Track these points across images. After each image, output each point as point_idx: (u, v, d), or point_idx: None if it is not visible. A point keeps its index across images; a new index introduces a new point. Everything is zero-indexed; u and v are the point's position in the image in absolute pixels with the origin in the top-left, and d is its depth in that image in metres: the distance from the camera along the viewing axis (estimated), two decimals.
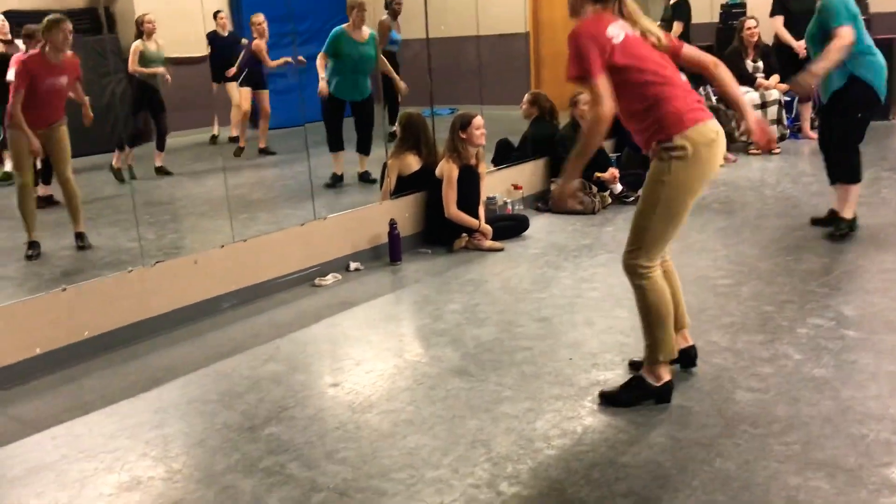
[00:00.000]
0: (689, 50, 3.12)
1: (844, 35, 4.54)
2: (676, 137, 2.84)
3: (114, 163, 7.04)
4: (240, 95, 8.40)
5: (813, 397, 2.98)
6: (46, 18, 4.97)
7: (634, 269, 2.96)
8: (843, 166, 4.94)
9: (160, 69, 7.35)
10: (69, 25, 4.98)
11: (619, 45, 2.84)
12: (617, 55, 2.83)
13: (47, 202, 6.18)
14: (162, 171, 7.48)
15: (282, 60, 8.16)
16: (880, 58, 4.78)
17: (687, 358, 3.25)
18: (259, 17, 8.23)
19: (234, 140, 8.54)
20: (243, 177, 7.72)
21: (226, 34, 8.60)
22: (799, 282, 4.25)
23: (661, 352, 3.00)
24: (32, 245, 5.15)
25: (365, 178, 7.01)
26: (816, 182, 6.32)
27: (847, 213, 4.94)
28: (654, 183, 2.93)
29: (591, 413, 2.98)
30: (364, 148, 7.03)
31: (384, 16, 8.51)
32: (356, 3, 6.73)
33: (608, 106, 2.81)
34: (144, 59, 7.37)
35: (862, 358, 3.29)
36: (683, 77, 3.04)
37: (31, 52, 5.21)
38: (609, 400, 3.05)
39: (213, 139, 8.97)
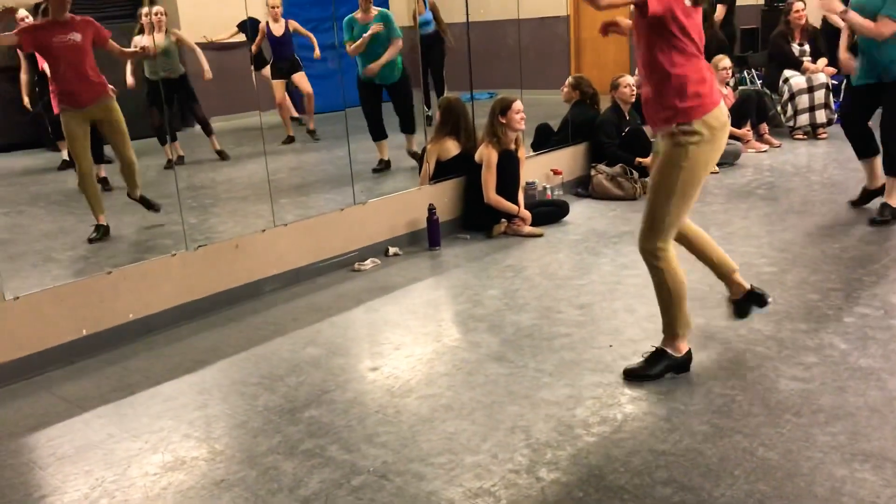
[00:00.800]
0: None
1: (888, 27, 4.54)
2: (696, 122, 2.88)
3: (167, 155, 7.16)
4: (274, 87, 8.41)
5: (859, 387, 2.93)
6: None
7: (652, 252, 3.03)
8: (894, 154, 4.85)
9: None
10: None
11: (686, 8, 2.84)
12: (681, 12, 2.82)
13: (102, 185, 6.23)
14: (222, 155, 7.50)
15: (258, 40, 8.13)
16: None
17: (756, 298, 3.28)
18: (274, 0, 8.19)
19: (288, 139, 8.56)
20: (284, 161, 7.77)
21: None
22: (845, 269, 4.16)
23: (679, 326, 3.11)
24: (98, 228, 5.18)
25: (416, 156, 6.90)
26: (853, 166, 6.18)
27: (894, 201, 4.88)
28: (670, 167, 2.95)
29: (631, 401, 2.96)
30: (407, 127, 7.05)
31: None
32: None
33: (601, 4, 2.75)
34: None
35: None
36: None
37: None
38: (635, 376, 3.12)
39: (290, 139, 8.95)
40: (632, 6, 2.83)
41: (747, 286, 3.29)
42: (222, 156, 7.54)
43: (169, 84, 7.11)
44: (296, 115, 8.94)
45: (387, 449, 2.74)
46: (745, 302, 3.30)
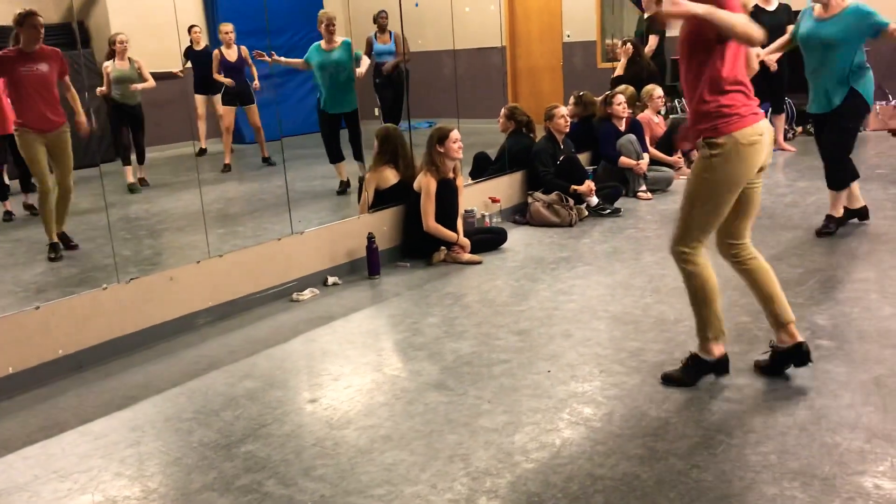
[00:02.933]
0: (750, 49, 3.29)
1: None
2: (722, 137, 2.99)
3: (128, 179, 7.48)
4: (224, 114, 8.38)
5: (788, 407, 3.01)
6: (17, 12, 5.08)
7: (678, 254, 3.18)
8: (837, 175, 5.18)
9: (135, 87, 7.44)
10: (39, 18, 5.10)
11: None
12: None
13: (32, 210, 6.26)
14: (142, 182, 7.70)
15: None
16: (871, 72, 5.05)
17: (798, 353, 3.20)
18: (226, 27, 8.25)
19: (226, 167, 8.51)
20: (221, 191, 7.69)
21: (201, 48, 8.59)
22: None
23: (709, 329, 3.20)
24: (55, 247, 5.37)
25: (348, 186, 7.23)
26: (791, 193, 6.40)
27: (839, 210, 5.23)
28: (696, 177, 3.11)
29: (569, 425, 2.99)
30: (361, 155, 7.26)
31: (373, 30, 8.61)
32: (321, 19, 7.10)
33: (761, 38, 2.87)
34: (112, 78, 7.45)
35: (835, 367, 3.33)
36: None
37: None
38: (672, 381, 3.24)
39: (202, 152, 8.93)
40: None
41: (799, 339, 3.22)
42: (142, 183, 7.73)
43: (126, 110, 7.50)
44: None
45: (325, 482, 2.70)
46: (788, 355, 3.23)
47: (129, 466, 2.90)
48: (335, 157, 7.29)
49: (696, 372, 3.25)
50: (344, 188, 7.23)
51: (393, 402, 3.28)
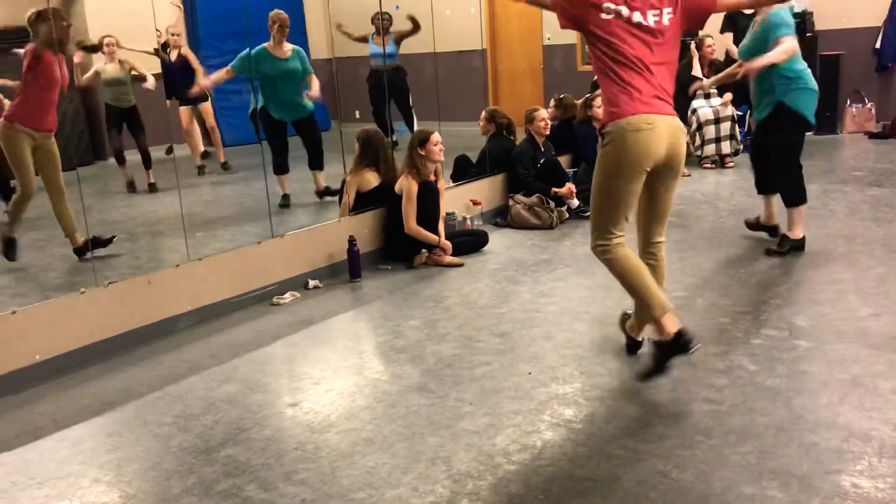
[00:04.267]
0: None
1: (789, 43, 4.58)
2: (609, 125, 3.11)
3: (124, 177, 7.50)
4: (181, 114, 8.31)
5: (767, 407, 3.03)
6: (37, 11, 4.89)
7: (595, 249, 3.26)
8: (788, 189, 4.93)
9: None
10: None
11: (606, 21, 3.06)
12: (596, 25, 3.08)
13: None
14: (153, 188, 7.54)
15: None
16: (811, 82, 4.76)
17: (637, 346, 3.53)
18: (174, 29, 8.10)
19: (199, 169, 8.46)
20: (200, 194, 7.64)
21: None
22: (752, 293, 4.33)
23: (652, 308, 3.16)
24: (11, 243, 5.23)
25: (327, 192, 6.91)
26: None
27: (797, 234, 4.95)
28: (594, 171, 3.22)
29: (550, 427, 2.99)
30: (317, 164, 6.95)
31: (371, 30, 8.57)
32: (276, 19, 6.59)
33: None
34: (107, 82, 7.43)
35: (813, 367, 3.36)
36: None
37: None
38: (651, 376, 3.22)
39: (170, 150, 8.86)
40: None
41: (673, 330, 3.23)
42: (152, 188, 7.57)
43: (121, 112, 7.46)
44: (202, 148, 8.80)
45: (306, 486, 2.69)
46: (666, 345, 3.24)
47: (107, 472, 2.87)
48: (280, 168, 6.81)
49: (663, 358, 3.14)
50: (287, 201, 6.77)
51: (374, 405, 3.27)
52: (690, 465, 2.66)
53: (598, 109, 6.84)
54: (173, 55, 8.14)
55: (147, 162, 7.59)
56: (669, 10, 3.10)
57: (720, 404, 3.08)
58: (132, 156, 7.68)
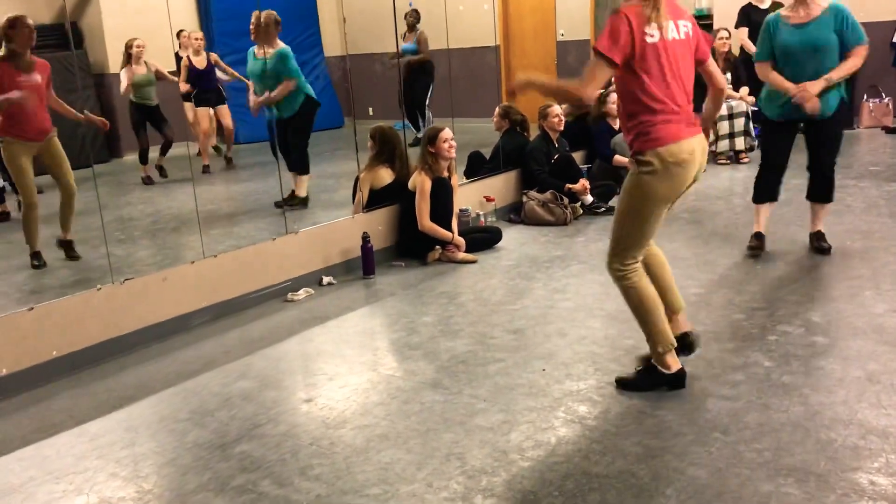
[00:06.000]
0: (712, 65, 3.24)
1: (862, 55, 4.55)
2: (648, 153, 2.98)
3: (142, 173, 7.75)
4: (195, 116, 8.36)
5: (783, 404, 3.02)
6: (6, 17, 4.91)
7: (613, 271, 3.16)
8: (832, 185, 4.86)
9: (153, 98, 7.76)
10: (30, 21, 4.93)
11: (650, 46, 2.93)
12: (640, 54, 2.93)
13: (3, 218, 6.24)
14: (163, 173, 7.86)
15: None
16: None
17: (683, 344, 3.34)
18: (196, 34, 8.21)
19: (205, 169, 8.50)
20: (214, 192, 7.67)
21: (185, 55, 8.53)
22: (768, 289, 4.30)
23: (658, 343, 3.15)
24: (38, 255, 5.22)
25: (290, 201, 6.41)
26: (785, 191, 6.40)
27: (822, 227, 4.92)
28: (625, 194, 3.11)
29: (564, 424, 2.99)
30: (295, 166, 6.64)
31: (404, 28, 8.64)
32: (268, 17, 6.45)
33: (590, 93, 2.93)
34: (135, 84, 7.61)
35: (829, 364, 3.33)
36: None
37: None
38: (626, 385, 3.23)
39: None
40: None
41: (682, 330, 3.34)
42: (162, 173, 7.86)
43: (146, 110, 7.74)
44: (214, 143, 8.91)
45: (321, 482, 2.70)
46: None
47: (124, 467, 2.89)
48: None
49: (652, 382, 3.20)
50: (292, 198, 6.50)
51: (389, 401, 3.28)
52: (706, 462, 2.65)
53: (613, 105, 6.82)
54: (199, 62, 8.19)
55: (165, 150, 7.84)
56: (687, 23, 3.08)
57: (735, 401, 3.07)
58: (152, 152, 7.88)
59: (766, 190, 5.06)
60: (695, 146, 3.04)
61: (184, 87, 8.16)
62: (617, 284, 3.17)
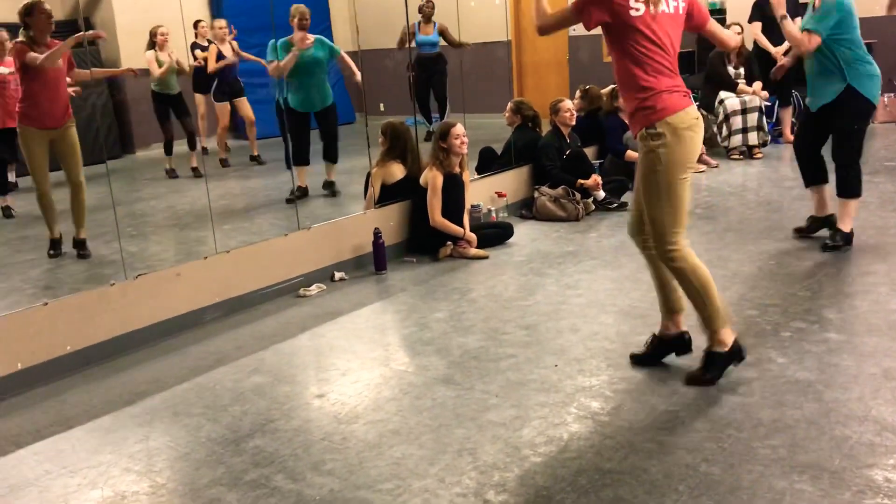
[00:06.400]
0: (714, 25, 3.31)
1: (802, 39, 4.60)
2: (659, 124, 3.02)
3: (165, 165, 7.74)
4: (215, 109, 8.35)
5: (797, 400, 3.00)
6: (24, 3, 4.92)
7: (665, 255, 3.14)
8: (847, 181, 4.76)
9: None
10: (48, 6, 4.96)
11: (636, 19, 2.99)
12: (624, 27, 3.01)
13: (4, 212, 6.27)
14: (197, 173, 7.73)
15: (221, 64, 8.11)
16: (875, 67, 4.67)
17: (681, 343, 3.37)
18: (220, 23, 8.17)
19: (222, 162, 8.54)
20: (226, 188, 7.69)
21: (205, 44, 8.54)
22: (781, 285, 4.28)
23: (717, 319, 3.15)
24: (55, 244, 5.29)
25: (329, 187, 6.93)
26: (798, 186, 6.35)
27: (846, 226, 4.81)
28: (648, 174, 3.10)
29: (577, 419, 2.98)
30: (331, 156, 6.98)
31: (419, 18, 8.61)
32: (295, 12, 6.71)
33: (540, 25, 3.17)
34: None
35: (844, 360, 3.31)
36: None
37: (16, 41, 5.10)
38: (697, 382, 3.19)
39: (204, 151, 8.91)
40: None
41: (680, 329, 3.38)
42: (196, 173, 7.74)
43: (169, 99, 7.64)
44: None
45: (333, 477, 2.70)
46: (671, 344, 3.39)
47: (137, 462, 2.91)
48: (301, 158, 6.80)
49: (718, 368, 3.19)
50: (300, 194, 6.53)
51: (401, 396, 3.28)
52: (719, 459, 2.64)
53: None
54: (226, 50, 8.13)
55: (193, 144, 7.78)
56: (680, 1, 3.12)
57: (749, 397, 3.05)
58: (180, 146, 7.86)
59: (804, 175, 5.14)
60: (697, 113, 3.12)
61: (212, 66, 8.08)
62: (672, 267, 3.14)
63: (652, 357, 3.40)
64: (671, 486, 2.51)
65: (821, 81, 4.69)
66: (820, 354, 3.38)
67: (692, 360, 3.34)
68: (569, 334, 3.81)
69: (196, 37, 8.45)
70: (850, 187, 4.77)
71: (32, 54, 4.87)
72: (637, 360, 3.41)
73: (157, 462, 2.90)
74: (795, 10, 6.18)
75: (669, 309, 3.35)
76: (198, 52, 8.22)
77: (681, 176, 3.07)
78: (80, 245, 5.33)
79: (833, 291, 4.16)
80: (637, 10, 2.99)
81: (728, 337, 3.19)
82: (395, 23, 8.45)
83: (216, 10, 9.72)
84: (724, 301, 3.21)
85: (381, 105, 10.09)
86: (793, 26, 4.71)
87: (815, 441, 2.70)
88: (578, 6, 3.05)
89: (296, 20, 6.66)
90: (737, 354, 3.21)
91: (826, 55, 4.60)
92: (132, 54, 8.43)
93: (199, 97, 8.38)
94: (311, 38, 6.70)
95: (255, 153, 8.54)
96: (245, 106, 8.42)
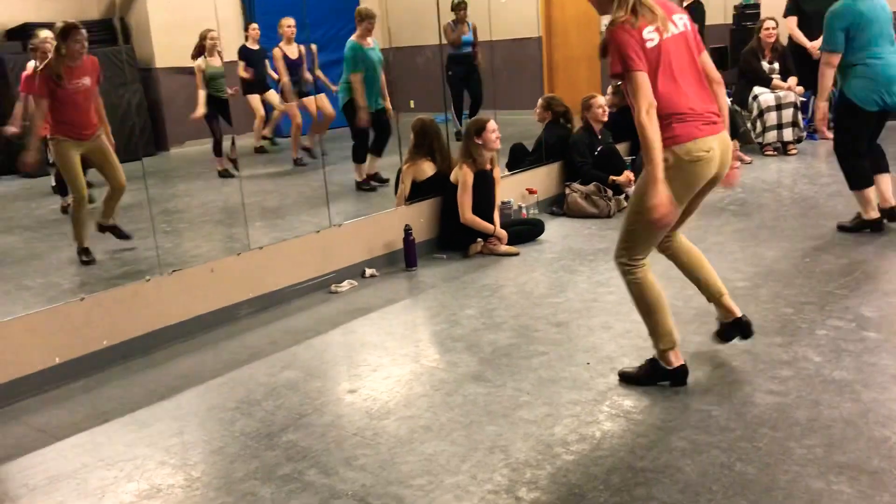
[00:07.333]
0: (706, 57, 3.13)
1: (823, 61, 4.87)
2: (664, 150, 2.88)
3: (217, 166, 7.71)
4: (290, 109, 8.31)
5: (833, 400, 2.96)
6: (60, 25, 4.94)
7: (621, 266, 3.15)
8: (846, 174, 5.05)
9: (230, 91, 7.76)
10: (83, 32, 4.98)
11: (651, 51, 2.88)
12: (648, 56, 2.88)
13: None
14: (234, 164, 7.74)
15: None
16: (877, 68, 4.76)
17: (739, 328, 3.35)
18: (288, 21, 8.06)
19: (259, 150, 8.59)
20: (259, 185, 7.75)
21: (256, 47, 8.54)
22: (817, 283, 4.21)
23: (659, 340, 3.15)
24: (87, 251, 5.29)
25: (378, 178, 7.20)
26: (834, 183, 6.27)
27: (869, 215, 4.98)
28: (638, 191, 3.05)
29: (609, 417, 2.97)
30: (380, 149, 7.18)
31: (452, 18, 8.63)
32: (366, 14, 6.90)
33: (645, 111, 2.84)
34: (207, 75, 7.57)
35: (882, 360, 3.26)
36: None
37: (49, 59, 5.17)
38: (627, 379, 3.23)
39: (262, 150, 8.96)
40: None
41: (735, 314, 3.34)
42: (234, 164, 7.71)
43: (220, 103, 7.64)
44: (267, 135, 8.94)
45: (365, 472, 2.72)
46: (730, 328, 3.37)
47: (173, 455, 2.95)
48: (363, 156, 7.14)
49: (652, 376, 3.19)
50: (382, 180, 7.13)
51: (432, 393, 3.29)
52: (754, 458, 2.61)
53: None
54: (292, 51, 8.13)
55: (233, 142, 7.80)
56: (683, 16, 3.03)
57: (784, 396, 3.02)
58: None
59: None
60: (713, 144, 2.96)
61: (285, 78, 8.06)
62: (623, 279, 3.16)
63: (726, 336, 3.39)
64: (705, 485, 2.49)
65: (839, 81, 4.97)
66: (857, 354, 3.33)
67: (742, 356, 3.31)
68: (601, 332, 3.79)
69: (246, 39, 8.45)
70: (852, 180, 5.01)
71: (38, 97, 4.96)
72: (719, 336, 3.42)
73: (191, 455, 2.94)
74: None
75: (710, 297, 3.34)
76: (241, 65, 8.22)
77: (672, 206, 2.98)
78: (111, 229, 5.35)
79: (871, 289, 4.09)
80: (652, 40, 2.88)
81: (674, 359, 3.16)
82: (425, 21, 8.45)
83: (248, 10, 9.80)
84: (672, 326, 3.14)
85: (411, 102, 10.11)
86: (823, 83, 4.94)
87: (853, 441, 2.66)
88: (625, 64, 2.85)
89: (366, 22, 6.88)
90: (678, 377, 3.16)
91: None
92: (165, 52, 8.54)
93: (254, 98, 8.38)
94: (372, 39, 6.95)
95: (323, 150, 8.53)
96: (325, 102, 8.27)
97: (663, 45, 2.90)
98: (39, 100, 4.96)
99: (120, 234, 5.44)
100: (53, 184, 6.70)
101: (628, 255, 3.11)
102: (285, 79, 8.08)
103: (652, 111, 2.83)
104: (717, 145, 2.99)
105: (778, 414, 2.89)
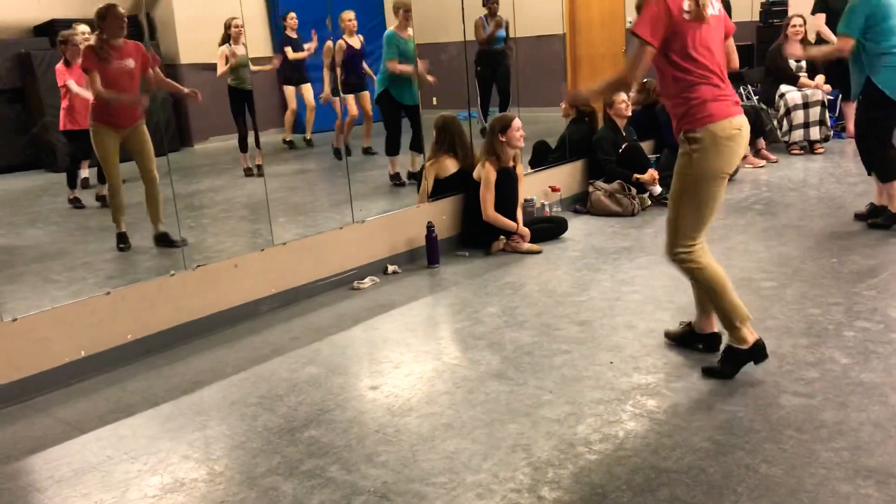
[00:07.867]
0: (731, 43, 3.28)
1: (841, 45, 4.85)
2: (700, 130, 3.00)
3: (242, 164, 7.57)
4: (349, 104, 8.22)
5: (861, 402, 2.91)
6: (99, 6, 4.99)
7: (677, 258, 3.16)
8: (874, 164, 5.05)
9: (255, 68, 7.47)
10: (120, 10, 5.04)
11: (689, 24, 2.97)
12: (680, 33, 2.97)
13: (103, 202, 6.34)
14: (259, 169, 7.56)
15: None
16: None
17: (710, 342, 3.42)
18: (349, 14, 7.91)
19: (287, 144, 8.57)
20: (282, 181, 7.78)
21: (295, 36, 8.51)
22: (844, 284, 4.16)
23: (734, 317, 3.15)
24: (123, 237, 5.35)
25: (415, 177, 7.08)
26: (862, 182, 6.19)
27: (893, 207, 5.00)
28: (680, 175, 3.12)
29: (632, 417, 2.94)
30: (419, 146, 7.08)
31: (484, 13, 8.59)
32: (400, 4, 6.83)
33: (634, 76, 3.06)
34: (236, 63, 7.38)
35: None
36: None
37: (86, 45, 5.19)
38: (712, 374, 3.22)
39: (291, 144, 8.96)
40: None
41: (713, 329, 3.41)
42: (259, 169, 7.50)
43: (244, 95, 7.41)
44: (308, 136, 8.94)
45: (387, 469, 2.72)
46: (695, 338, 3.47)
47: (196, 449, 2.96)
48: (396, 148, 7.12)
49: (733, 364, 3.19)
50: (398, 180, 7.08)
51: (454, 390, 3.28)
52: (780, 460, 2.58)
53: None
54: (355, 42, 7.93)
55: (257, 141, 7.73)
56: (717, 1, 3.12)
57: (811, 398, 2.98)
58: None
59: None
60: (743, 122, 3.08)
61: (338, 72, 7.92)
62: (682, 269, 3.18)
63: (680, 340, 3.49)
64: (730, 486, 2.46)
65: (854, 75, 4.93)
66: (886, 356, 3.28)
67: (766, 364, 3.28)
68: (624, 331, 3.77)
69: (286, 30, 8.43)
70: (882, 173, 5.01)
71: (91, 71, 4.99)
72: (668, 337, 3.54)
73: (214, 450, 2.95)
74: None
75: (703, 307, 3.39)
76: (288, 49, 8.16)
77: (711, 184, 3.06)
78: (162, 238, 5.33)
79: None
80: (689, 12, 2.97)
81: (748, 335, 3.16)
82: (450, 17, 8.43)
83: (272, 5, 9.83)
84: (739, 300, 3.16)
85: (434, 99, 10.09)
86: (823, 49, 5.11)
87: (881, 445, 2.62)
88: (644, 32, 2.94)
89: (402, 12, 6.80)
90: (758, 353, 3.17)
91: (858, 50, 4.81)
92: (190, 49, 8.58)
93: (290, 90, 8.34)
94: (410, 31, 6.84)
95: (368, 145, 8.51)
96: (367, 102, 8.21)
97: (699, 24, 2.98)
98: (92, 74, 5.02)
99: (170, 243, 5.42)
100: (86, 175, 6.75)
101: (681, 243, 3.12)
102: (338, 73, 7.94)
103: (635, 84, 3.07)
104: (744, 124, 3.09)
105: (804, 416, 2.85)
